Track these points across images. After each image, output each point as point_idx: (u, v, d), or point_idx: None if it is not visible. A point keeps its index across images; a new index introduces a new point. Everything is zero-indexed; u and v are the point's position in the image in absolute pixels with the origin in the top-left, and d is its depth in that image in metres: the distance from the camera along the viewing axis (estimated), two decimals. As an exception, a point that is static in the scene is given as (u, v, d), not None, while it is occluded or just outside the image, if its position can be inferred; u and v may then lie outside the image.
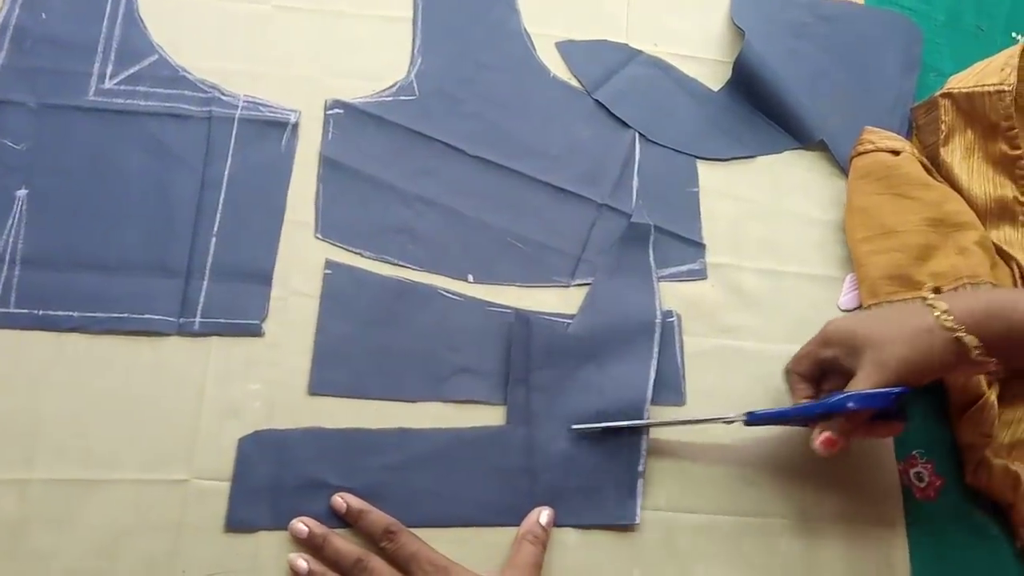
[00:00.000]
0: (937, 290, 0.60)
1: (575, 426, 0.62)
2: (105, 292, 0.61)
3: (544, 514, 0.59)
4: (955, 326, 0.53)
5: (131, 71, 0.68)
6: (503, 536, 0.59)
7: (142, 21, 0.70)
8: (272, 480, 0.58)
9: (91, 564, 0.55)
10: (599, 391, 0.63)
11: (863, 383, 0.55)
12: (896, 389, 0.55)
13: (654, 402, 0.64)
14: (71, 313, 0.60)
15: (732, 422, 0.61)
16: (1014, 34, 0.87)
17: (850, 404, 0.55)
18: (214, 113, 0.68)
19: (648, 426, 0.62)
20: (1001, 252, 0.70)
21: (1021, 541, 0.63)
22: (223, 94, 0.69)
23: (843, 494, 0.64)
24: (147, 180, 0.65)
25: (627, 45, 0.78)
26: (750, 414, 0.60)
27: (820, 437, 0.57)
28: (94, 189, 0.64)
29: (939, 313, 0.54)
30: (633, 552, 0.60)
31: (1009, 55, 0.71)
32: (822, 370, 0.61)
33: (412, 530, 0.57)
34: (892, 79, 0.80)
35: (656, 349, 0.64)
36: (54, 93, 0.66)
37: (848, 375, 0.57)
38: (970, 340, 0.53)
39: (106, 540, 0.55)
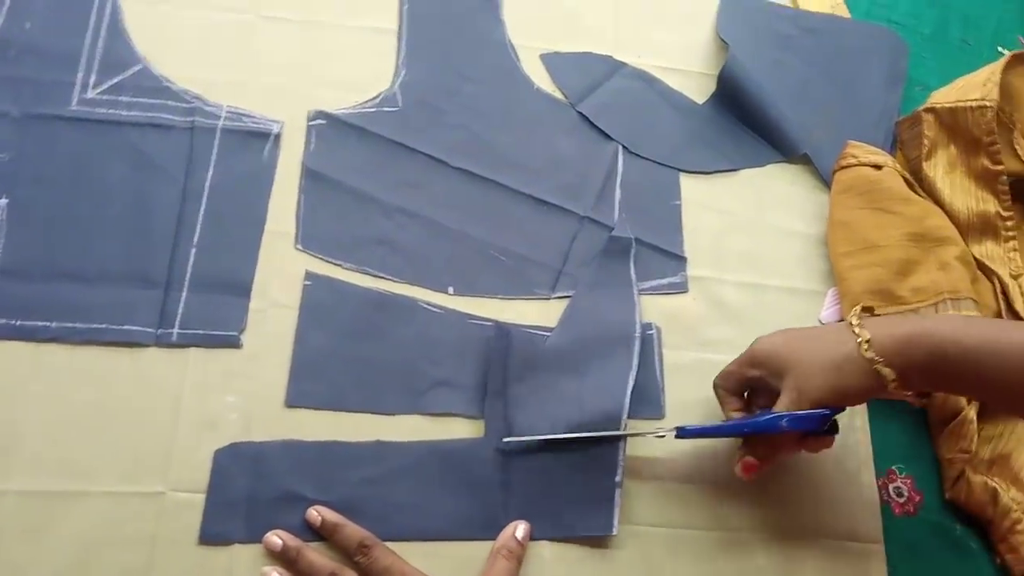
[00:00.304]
0: (870, 310, 0.60)
1: (506, 439, 0.61)
2: (84, 303, 0.61)
3: (520, 528, 0.59)
4: (874, 356, 0.53)
5: (114, 81, 0.68)
6: (478, 550, 0.59)
7: (126, 31, 0.70)
8: (247, 493, 0.58)
9: (65, 575, 0.54)
10: (578, 404, 0.63)
11: (784, 407, 0.55)
12: (826, 411, 0.55)
13: (633, 415, 0.64)
14: (49, 323, 0.60)
15: (663, 436, 0.61)
16: (1000, 48, 0.87)
17: (783, 423, 0.55)
18: (197, 123, 0.68)
19: (582, 439, 0.61)
20: (983, 267, 0.70)
21: (1000, 557, 0.63)
22: (206, 104, 0.69)
23: (821, 509, 0.64)
24: (128, 190, 0.65)
25: (611, 57, 0.78)
26: (680, 428, 0.60)
27: (741, 462, 0.58)
28: (75, 199, 0.64)
29: (861, 341, 0.53)
30: (608, 567, 0.60)
31: (991, 70, 0.71)
32: (750, 387, 0.61)
33: (388, 544, 0.57)
34: (877, 93, 0.80)
35: (635, 362, 0.64)
36: (37, 102, 0.66)
37: (775, 394, 0.57)
38: (887, 373, 0.52)
39: (81, 552, 0.55)
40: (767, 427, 0.56)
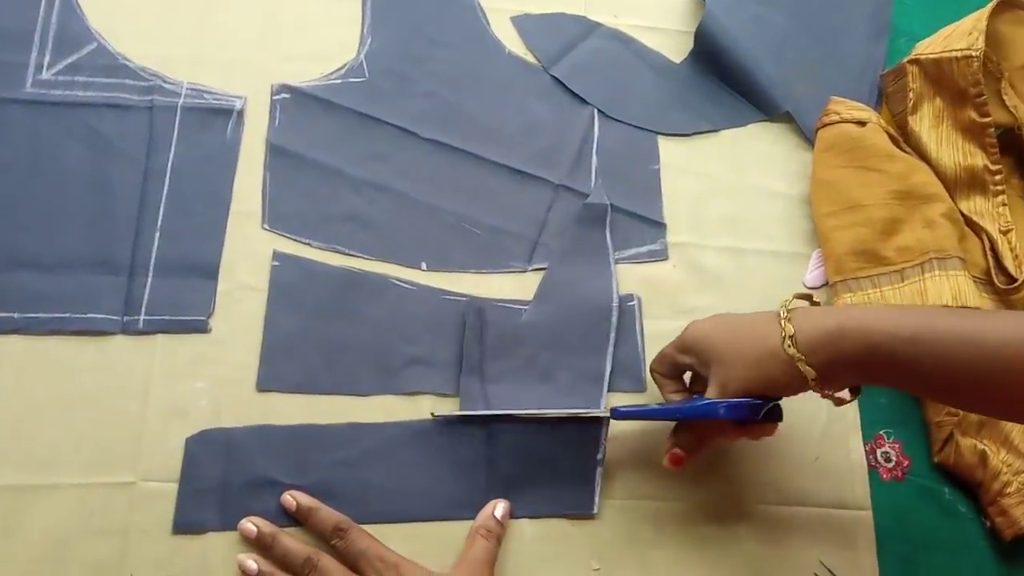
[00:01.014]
0: (807, 298, 0.58)
1: (435, 413, 0.60)
2: (46, 292, 0.60)
3: (499, 507, 0.58)
4: (796, 353, 0.50)
5: (69, 60, 0.66)
6: (459, 529, 0.58)
7: (80, 8, 0.68)
8: (220, 480, 0.57)
9: (37, 570, 0.54)
10: (555, 379, 0.62)
11: (712, 397, 0.54)
12: (759, 401, 0.53)
13: (614, 389, 0.63)
14: (12, 314, 0.59)
15: (598, 417, 0.60)
16: (988, -7, 0.84)
17: (721, 411, 0.53)
18: (156, 102, 0.66)
19: (509, 415, 0.60)
20: (971, 223, 0.68)
21: (990, 520, 0.62)
22: (165, 82, 0.67)
23: (807, 476, 0.63)
24: (88, 174, 0.63)
25: (585, 17, 0.75)
26: (615, 410, 0.58)
27: (669, 453, 0.56)
28: (33, 185, 0.62)
29: (784, 336, 0.51)
30: (592, 541, 0.59)
31: (976, 19, 0.68)
32: (684, 371, 0.59)
33: (366, 526, 0.57)
34: (860, 45, 0.78)
35: (613, 335, 0.63)
36: (-10, 86, 0.64)
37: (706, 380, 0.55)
38: (807, 371, 0.50)
39: (52, 546, 0.54)
40: (704, 413, 0.54)
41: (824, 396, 0.53)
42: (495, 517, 0.57)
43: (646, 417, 0.59)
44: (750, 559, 0.60)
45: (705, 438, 0.56)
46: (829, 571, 0.60)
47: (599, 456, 0.60)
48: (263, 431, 0.59)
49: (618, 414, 0.58)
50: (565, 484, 0.60)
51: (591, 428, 0.61)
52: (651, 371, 0.60)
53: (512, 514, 0.59)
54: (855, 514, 0.62)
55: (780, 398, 0.54)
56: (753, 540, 0.61)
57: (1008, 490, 0.60)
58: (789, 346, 0.51)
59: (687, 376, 0.59)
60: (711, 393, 0.54)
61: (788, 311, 0.52)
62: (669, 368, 0.59)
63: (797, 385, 0.52)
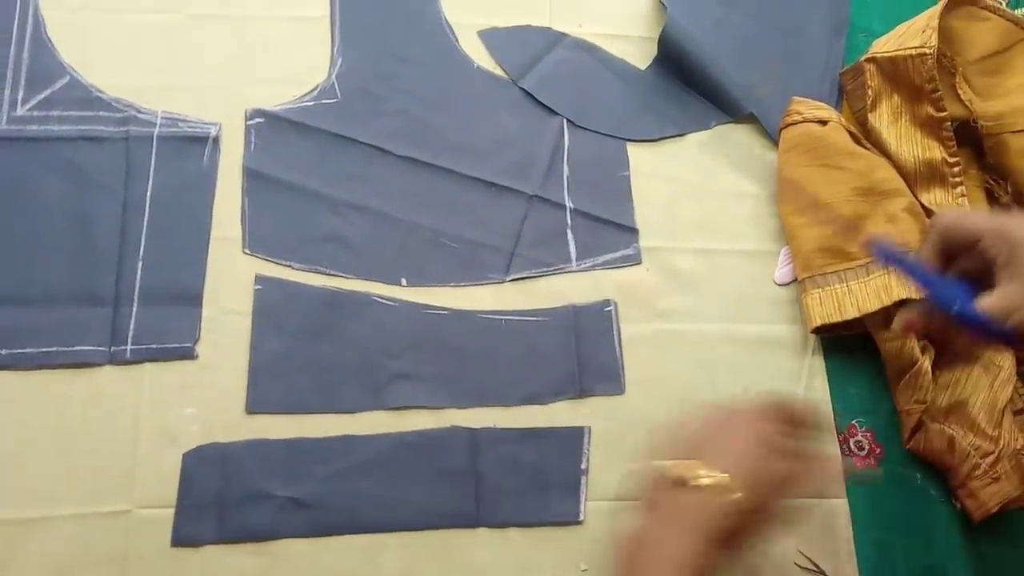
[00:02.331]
0: None
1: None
2: (32, 326, 0.61)
3: None
4: None
5: (43, 95, 0.67)
6: (453, 538, 0.60)
7: (51, 42, 0.69)
8: (217, 494, 0.58)
9: (39, 601, 0.55)
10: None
11: (991, 303, 0.47)
12: (1007, 336, 0.47)
13: (592, 392, 0.65)
14: (-1, 351, 0.60)
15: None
16: (943, -14, 0.86)
17: (957, 306, 0.48)
18: (132, 133, 0.67)
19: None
20: (931, 215, 0.70)
21: (960, 502, 0.64)
22: (140, 112, 0.67)
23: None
24: (67, 207, 0.64)
25: (551, 29, 0.77)
26: (878, 245, 0.53)
27: (906, 317, 0.52)
28: (13, 220, 0.63)
29: None
30: (580, 545, 0.61)
31: (929, 16, 0.70)
32: (969, 252, 0.50)
33: (361, 536, 0.58)
34: (820, 43, 0.80)
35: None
36: (-35, 124, 0.65)
37: (988, 277, 0.48)
38: None
39: (52, 577, 0.55)
40: (946, 305, 0.49)
41: None
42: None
43: (905, 267, 0.53)
44: (733, 552, 0.62)
45: (940, 325, 0.51)
46: (808, 559, 0.62)
47: (583, 466, 0.62)
48: (258, 445, 0.60)
49: (879, 249, 0.54)
50: (551, 493, 0.62)
51: (574, 438, 0.63)
52: (935, 221, 0.52)
53: (501, 522, 0.60)
54: (831, 503, 0.64)
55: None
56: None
57: (976, 473, 0.63)
58: None
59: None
60: (994, 298, 0.47)
61: None
62: (963, 238, 0.50)
63: None
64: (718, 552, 0.43)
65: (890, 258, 0.54)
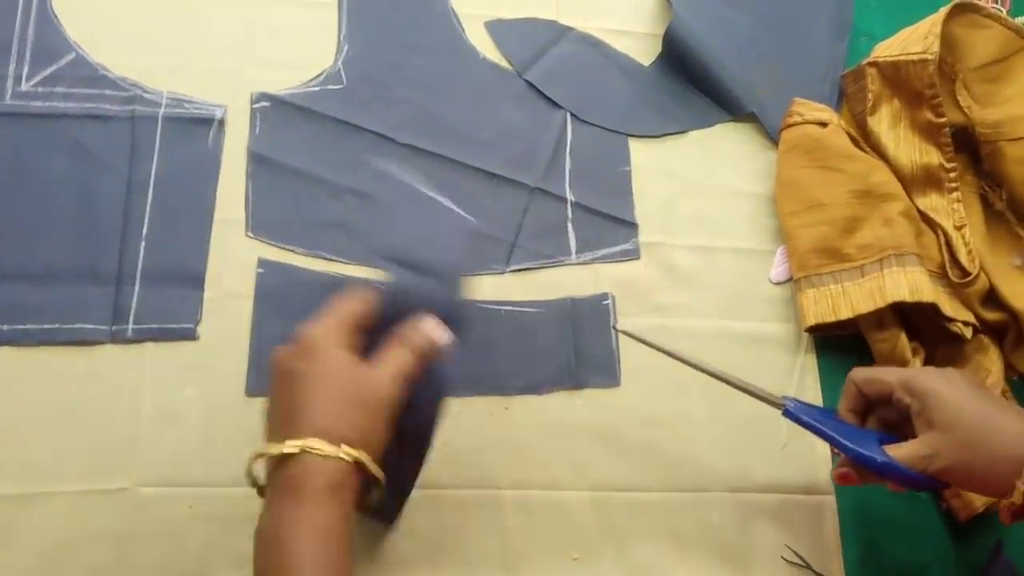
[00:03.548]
0: None
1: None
2: (34, 303, 0.61)
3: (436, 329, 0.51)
4: None
5: (48, 71, 0.67)
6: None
7: (57, 18, 0.68)
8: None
9: (36, 577, 0.55)
10: None
11: (911, 453, 0.51)
12: (932, 483, 0.52)
13: (587, 384, 0.66)
14: (0, 326, 0.60)
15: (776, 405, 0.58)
16: (946, -9, 0.87)
17: (879, 460, 0.52)
18: (137, 112, 0.67)
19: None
20: (927, 219, 0.71)
21: (946, 503, 0.66)
22: (145, 91, 0.67)
23: (773, 466, 0.66)
24: (71, 185, 0.64)
25: (556, 22, 0.77)
26: (787, 410, 0.57)
27: (839, 473, 0.55)
28: (16, 197, 0.63)
29: None
30: (570, 533, 0.62)
31: (932, 22, 0.71)
32: (885, 403, 0.56)
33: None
34: (822, 45, 0.80)
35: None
36: (-31, 99, 0.65)
37: (904, 419, 0.54)
38: None
39: (49, 553, 0.56)
40: (867, 462, 0.53)
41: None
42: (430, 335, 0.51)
43: (816, 430, 0.56)
44: (721, 544, 0.63)
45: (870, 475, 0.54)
46: (796, 554, 0.63)
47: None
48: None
49: (791, 414, 0.57)
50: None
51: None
52: (849, 380, 0.57)
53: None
54: (820, 499, 0.65)
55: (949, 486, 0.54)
56: (724, 527, 0.64)
57: (962, 474, 0.64)
58: None
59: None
60: (911, 450, 0.52)
61: None
62: (877, 392, 0.55)
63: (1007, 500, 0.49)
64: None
65: (804, 421, 0.57)
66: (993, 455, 0.50)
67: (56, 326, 0.61)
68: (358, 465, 0.45)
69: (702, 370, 0.59)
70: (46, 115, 0.65)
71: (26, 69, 0.67)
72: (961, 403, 0.52)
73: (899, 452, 0.52)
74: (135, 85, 0.67)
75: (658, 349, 0.60)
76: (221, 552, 0.57)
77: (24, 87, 0.66)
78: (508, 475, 0.63)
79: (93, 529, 0.57)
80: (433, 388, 0.52)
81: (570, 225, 0.70)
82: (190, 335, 0.62)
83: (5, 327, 0.60)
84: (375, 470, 0.46)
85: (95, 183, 0.64)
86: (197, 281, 0.64)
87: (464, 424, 0.60)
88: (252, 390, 0.62)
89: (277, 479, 0.45)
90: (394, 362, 0.48)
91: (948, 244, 0.70)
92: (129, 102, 0.67)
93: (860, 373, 0.57)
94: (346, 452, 0.45)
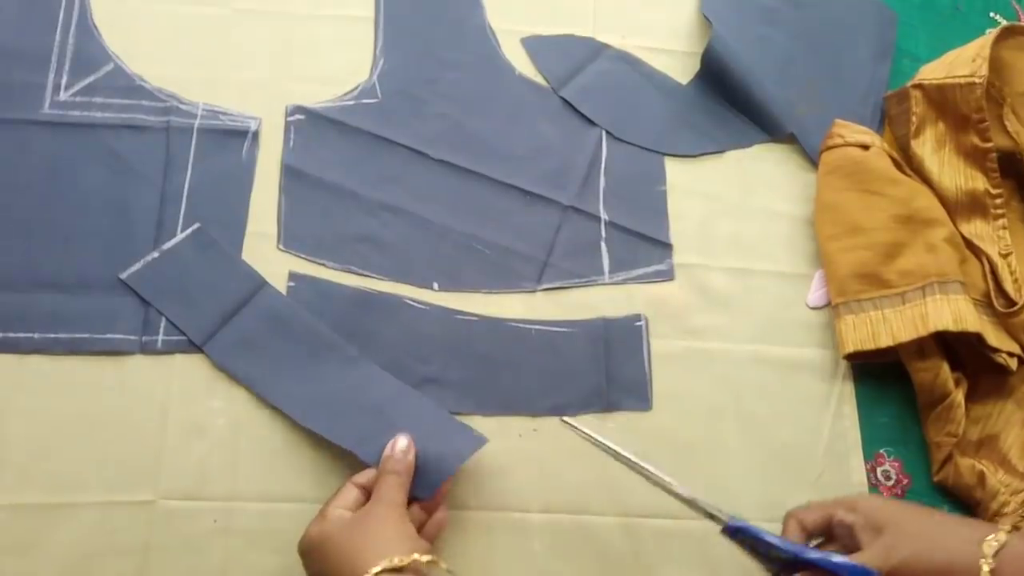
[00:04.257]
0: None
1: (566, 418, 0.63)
2: (66, 312, 0.61)
3: (400, 442, 0.56)
4: None
5: (87, 81, 0.67)
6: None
7: (96, 29, 0.69)
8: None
9: (59, 587, 0.55)
10: None
11: (866, 560, 0.52)
12: None
13: (618, 407, 0.65)
14: (31, 335, 0.60)
15: (717, 521, 0.57)
16: (992, 14, 0.85)
17: (836, 560, 0.52)
18: (172, 123, 0.67)
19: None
20: (971, 246, 0.69)
21: (987, 538, 0.63)
22: (181, 103, 0.68)
23: (810, 493, 0.64)
24: (106, 195, 0.64)
25: (593, 39, 0.76)
26: (728, 527, 0.56)
27: None
28: (52, 206, 0.64)
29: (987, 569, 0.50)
30: (599, 559, 0.61)
31: (980, 45, 0.69)
32: (828, 529, 0.56)
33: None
34: (864, 66, 0.79)
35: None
36: (8, 107, 0.65)
37: (852, 543, 0.54)
38: None
39: (73, 564, 0.55)
40: (822, 564, 0.52)
41: None
42: (400, 452, 0.56)
43: (764, 540, 0.54)
44: (752, 574, 0.61)
45: None
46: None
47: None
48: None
49: (730, 530, 0.56)
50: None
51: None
52: (788, 517, 0.57)
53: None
54: (857, 532, 0.64)
55: None
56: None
57: (1006, 510, 0.62)
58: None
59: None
60: (870, 551, 0.52)
61: (997, 549, 0.51)
62: (817, 521, 0.56)
63: None
64: None
65: (750, 530, 0.55)
66: (948, 547, 0.52)
67: (86, 335, 0.61)
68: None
69: (646, 476, 0.60)
70: (83, 124, 0.66)
71: (65, 79, 0.67)
72: (903, 506, 0.56)
73: (858, 557, 0.52)
74: (172, 96, 0.68)
75: (605, 449, 0.60)
76: (244, 567, 0.57)
77: (63, 96, 0.66)
78: (537, 498, 0.62)
79: (117, 541, 0.56)
80: (433, 468, 0.57)
81: (603, 244, 0.69)
82: (219, 348, 0.62)
83: (36, 335, 0.60)
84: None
85: (129, 193, 0.65)
86: (227, 293, 0.63)
87: (492, 445, 0.59)
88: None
89: None
90: (384, 489, 0.54)
91: (993, 272, 0.68)
92: (165, 113, 0.67)
93: (797, 509, 0.57)
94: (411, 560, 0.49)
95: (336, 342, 0.62)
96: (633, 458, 0.61)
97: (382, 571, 0.47)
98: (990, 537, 0.51)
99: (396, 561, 0.48)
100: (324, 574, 0.51)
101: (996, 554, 0.50)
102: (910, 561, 0.51)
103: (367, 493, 0.55)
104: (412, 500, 0.56)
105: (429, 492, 0.56)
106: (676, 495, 0.59)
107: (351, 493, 0.55)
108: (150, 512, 0.57)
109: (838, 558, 0.52)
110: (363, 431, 0.59)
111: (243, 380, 0.61)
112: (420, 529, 0.55)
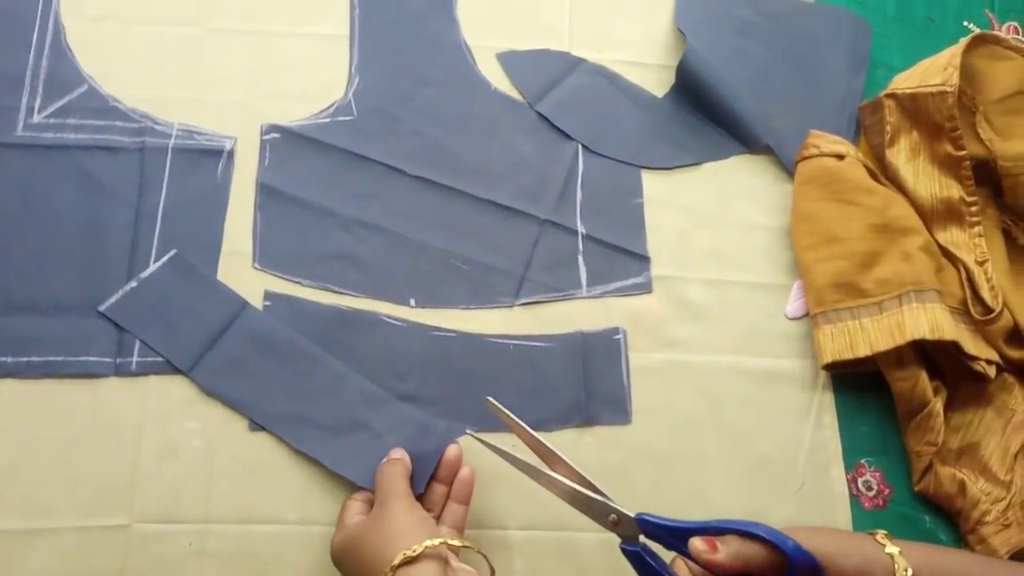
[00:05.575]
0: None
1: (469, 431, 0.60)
2: (39, 335, 0.61)
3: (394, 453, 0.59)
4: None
5: (60, 103, 0.67)
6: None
7: (70, 50, 0.69)
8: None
9: (33, 614, 0.55)
10: None
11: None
12: (796, 548, 0.48)
13: (598, 421, 0.64)
14: (5, 358, 0.60)
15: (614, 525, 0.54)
16: (966, 23, 0.85)
17: (790, 544, 0.48)
18: (147, 144, 0.66)
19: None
20: (947, 254, 0.69)
21: (970, 547, 0.63)
22: (156, 123, 0.67)
23: (791, 504, 0.64)
24: (79, 217, 0.64)
25: (569, 54, 0.76)
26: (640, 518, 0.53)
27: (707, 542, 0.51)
28: (26, 228, 0.63)
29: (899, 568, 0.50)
30: (579, 574, 0.60)
31: (951, 54, 0.69)
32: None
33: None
34: (840, 77, 0.79)
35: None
36: (-19, 129, 0.65)
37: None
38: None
39: (47, 590, 0.55)
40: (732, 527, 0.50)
41: None
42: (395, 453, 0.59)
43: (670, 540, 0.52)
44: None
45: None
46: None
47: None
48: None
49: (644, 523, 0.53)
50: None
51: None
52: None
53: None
54: (838, 543, 0.63)
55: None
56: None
57: (987, 519, 0.62)
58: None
59: None
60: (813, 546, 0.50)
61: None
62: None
63: None
64: None
65: (662, 524, 0.52)
66: (865, 553, 0.51)
67: (60, 358, 0.60)
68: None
69: (552, 485, 0.56)
70: (56, 146, 0.66)
71: (38, 101, 0.67)
72: (812, 528, 0.53)
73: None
74: (146, 116, 0.68)
75: (511, 461, 0.56)
76: (220, 590, 0.56)
77: (36, 119, 0.66)
78: (517, 515, 0.61)
79: (93, 566, 0.56)
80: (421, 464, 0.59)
81: (581, 258, 0.69)
82: (194, 368, 0.61)
83: (10, 359, 0.60)
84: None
85: (103, 215, 0.64)
86: (203, 314, 0.63)
87: (470, 461, 0.59)
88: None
89: None
90: (386, 484, 0.56)
91: (970, 280, 0.68)
92: (139, 134, 0.67)
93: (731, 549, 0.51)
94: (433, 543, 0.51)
95: (320, 356, 0.62)
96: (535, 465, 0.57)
97: (400, 564, 0.49)
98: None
99: (409, 552, 0.49)
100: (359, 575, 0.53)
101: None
102: (826, 553, 0.49)
103: (370, 501, 0.57)
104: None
105: (420, 487, 0.58)
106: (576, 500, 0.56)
107: (356, 503, 0.57)
108: (125, 536, 0.57)
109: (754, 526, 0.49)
110: (355, 453, 0.60)
111: (233, 403, 0.61)
112: (445, 501, 0.58)
